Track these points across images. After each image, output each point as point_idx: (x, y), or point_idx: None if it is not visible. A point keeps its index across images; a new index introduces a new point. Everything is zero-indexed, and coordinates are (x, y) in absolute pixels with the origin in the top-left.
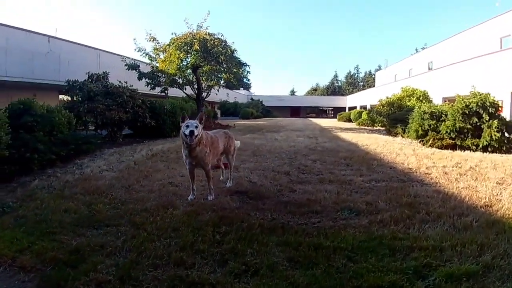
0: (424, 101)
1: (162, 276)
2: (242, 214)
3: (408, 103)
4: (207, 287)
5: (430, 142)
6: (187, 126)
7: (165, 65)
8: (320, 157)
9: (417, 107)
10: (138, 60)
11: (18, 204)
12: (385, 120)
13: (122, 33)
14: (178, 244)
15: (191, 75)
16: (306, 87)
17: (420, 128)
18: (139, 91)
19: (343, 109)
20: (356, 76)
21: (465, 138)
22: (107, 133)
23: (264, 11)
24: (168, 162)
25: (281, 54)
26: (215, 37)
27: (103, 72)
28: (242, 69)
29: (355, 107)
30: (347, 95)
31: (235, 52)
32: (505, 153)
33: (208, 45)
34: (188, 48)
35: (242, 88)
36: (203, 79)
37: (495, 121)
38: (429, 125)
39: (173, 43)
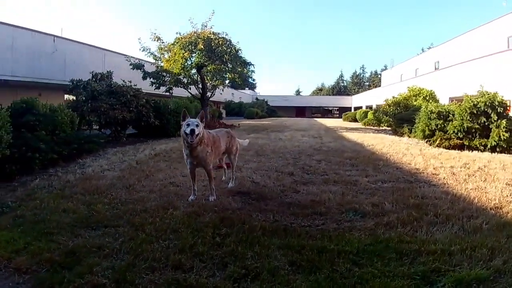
0: (430, 100)
1: (159, 280)
2: (243, 216)
3: (415, 103)
4: None
5: (437, 142)
6: (188, 125)
7: (170, 65)
8: (325, 157)
9: (423, 107)
10: (143, 60)
11: (17, 203)
12: (391, 120)
13: (127, 32)
14: (177, 246)
15: (196, 75)
16: (312, 87)
17: (427, 128)
18: (144, 91)
19: (349, 109)
20: (362, 76)
21: (473, 138)
22: (111, 133)
23: (269, 11)
24: (170, 162)
25: (287, 54)
26: (220, 36)
27: (107, 71)
28: (247, 68)
29: (360, 107)
30: (353, 95)
31: (239, 51)
32: None
33: (213, 44)
34: (193, 47)
35: (247, 88)
36: (208, 78)
37: (504, 121)
38: (436, 125)
39: (177, 43)
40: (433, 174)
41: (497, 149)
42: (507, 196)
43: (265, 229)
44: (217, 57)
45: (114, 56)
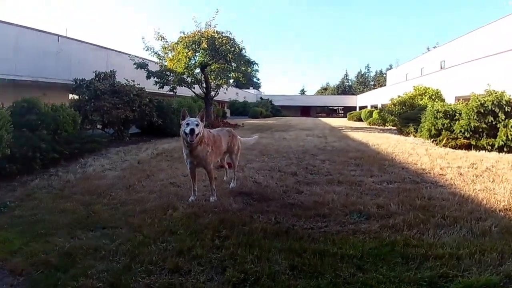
0: (436, 100)
1: (154, 284)
2: (244, 217)
3: (420, 102)
4: None
5: (444, 141)
6: (188, 124)
7: (173, 64)
8: (329, 157)
9: (430, 106)
10: (147, 59)
11: (16, 203)
12: (396, 119)
13: (129, 32)
14: (174, 248)
15: (200, 74)
16: (316, 87)
17: (433, 127)
18: (148, 90)
19: (354, 108)
20: (367, 75)
21: (480, 138)
22: (114, 132)
23: (273, 11)
24: (171, 162)
25: (291, 53)
26: (223, 35)
27: (110, 70)
28: (251, 67)
29: (365, 107)
30: (358, 94)
31: (243, 50)
32: None
33: (216, 43)
34: (196, 46)
35: (251, 88)
36: (212, 78)
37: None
38: (443, 124)
39: (181, 42)
40: (439, 174)
41: (505, 149)
42: None
43: (266, 231)
44: (220, 56)
45: (118, 55)
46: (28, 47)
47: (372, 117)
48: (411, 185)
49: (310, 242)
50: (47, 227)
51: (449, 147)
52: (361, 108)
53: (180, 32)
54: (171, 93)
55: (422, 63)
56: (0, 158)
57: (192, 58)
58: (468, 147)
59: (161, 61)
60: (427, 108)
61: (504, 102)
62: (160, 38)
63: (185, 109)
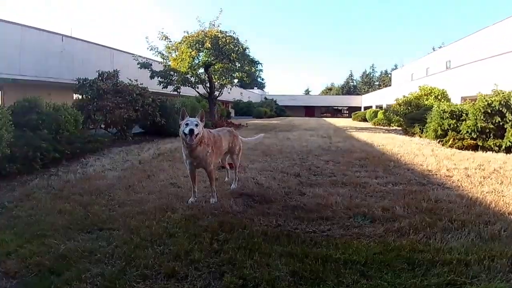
0: (442, 100)
1: None
2: (244, 220)
3: (426, 102)
4: None
5: (450, 142)
6: (187, 124)
7: (177, 63)
8: (333, 158)
9: (436, 106)
10: (151, 59)
11: (14, 204)
12: (402, 119)
13: (133, 32)
14: (172, 252)
15: (203, 74)
16: (321, 87)
17: (439, 127)
18: (152, 90)
19: (358, 108)
20: (371, 75)
21: (487, 139)
22: (117, 132)
23: (278, 11)
24: (173, 162)
25: (296, 53)
26: (227, 34)
27: (113, 70)
28: (255, 67)
29: (370, 107)
30: (363, 94)
31: (247, 49)
32: None
33: (220, 42)
34: (200, 46)
35: (256, 88)
36: (215, 77)
37: None
38: (449, 125)
39: (184, 41)
40: (446, 176)
41: None
42: None
43: (267, 234)
44: (224, 56)
45: (122, 55)
46: (33, 47)
47: (377, 117)
48: (417, 187)
49: (312, 247)
50: (43, 228)
51: (456, 148)
52: (366, 108)
53: (184, 31)
54: (175, 93)
55: (428, 63)
56: (0, 158)
57: (195, 57)
58: (475, 148)
59: (164, 60)
60: (433, 108)
61: (511, 102)
62: (164, 38)
63: (184, 108)
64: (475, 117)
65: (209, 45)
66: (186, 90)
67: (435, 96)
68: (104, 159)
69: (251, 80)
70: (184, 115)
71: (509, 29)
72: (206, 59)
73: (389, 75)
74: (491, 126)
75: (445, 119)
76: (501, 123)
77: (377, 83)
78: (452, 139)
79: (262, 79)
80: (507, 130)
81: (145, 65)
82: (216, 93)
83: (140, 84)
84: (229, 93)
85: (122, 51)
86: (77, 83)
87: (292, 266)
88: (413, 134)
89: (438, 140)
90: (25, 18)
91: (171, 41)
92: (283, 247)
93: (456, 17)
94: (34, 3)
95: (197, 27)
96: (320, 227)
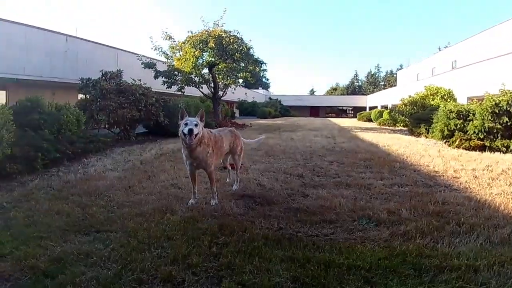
0: (448, 100)
1: None
2: (245, 222)
3: (432, 102)
4: None
5: (457, 142)
6: (186, 124)
7: (181, 63)
8: (338, 159)
9: (442, 106)
10: (155, 59)
11: (12, 204)
12: (407, 119)
13: (137, 31)
14: (169, 255)
15: (208, 74)
16: (326, 87)
17: (446, 128)
18: (156, 90)
19: (363, 108)
20: (377, 75)
21: (494, 139)
22: (120, 132)
23: (283, 11)
24: (175, 162)
25: (301, 53)
26: (231, 34)
27: (117, 70)
28: (259, 67)
29: (375, 107)
30: (368, 94)
31: (251, 49)
32: None
33: (224, 42)
34: (204, 45)
35: (260, 88)
36: (219, 77)
37: None
38: (456, 125)
39: (188, 41)
40: (453, 177)
41: None
42: None
43: (268, 238)
44: (228, 56)
45: (126, 55)
46: (37, 47)
47: (382, 117)
48: (423, 189)
49: (315, 251)
50: (40, 230)
51: (462, 148)
52: (371, 108)
53: (188, 31)
54: (179, 93)
55: (433, 63)
56: (1, 158)
57: (199, 57)
58: (482, 148)
59: (168, 60)
60: (440, 108)
61: None
62: (168, 37)
63: (183, 108)
64: (482, 117)
65: (213, 45)
66: (190, 90)
67: (441, 96)
68: (106, 159)
69: (256, 80)
70: (183, 114)
71: None
72: (210, 59)
73: (395, 75)
74: (499, 126)
75: (452, 119)
76: (509, 123)
77: (383, 83)
78: (459, 140)
79: (267, 79)
80: None
81: (149, 65)
82: (220, 93)
83: (144, 84)
84: (233, 93)
85: (127, 51)
86: (81, 82)
87: (293, 271)
88: (419, 135)
89: (445, 140)
90: (24, 18)
91: (175, 41)
92: (285, 252)
93: (462, 17)
94: (34, 3)
95: (201, 27)
96: (323, 231)
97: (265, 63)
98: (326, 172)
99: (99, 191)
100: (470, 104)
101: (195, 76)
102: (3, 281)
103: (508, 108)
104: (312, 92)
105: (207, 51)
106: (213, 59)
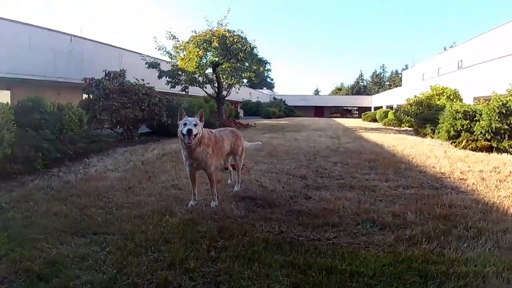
0: (454, 100)
1: None
2: (245, 225)
3: (438, 102)
4: None
5: (463, 143)
6: (185, 124)
7: (185, 63)
8: (342, 159)
9: (448, 106)
10: (159, 59)
11: (10, 205)
12: (413, 120)
13: (141, 31)
14: (166, 259)
15: (211, 74)
16: (331, 87)
17: (452, 128)
18: (160, 90)
19: (368, 108)
20: (382, 75)
21: (501, 140)
22: (123, 132)
23: (287, 11)
24: (176, 163)
25: (306, 53)
26: (235, 34)
27: (120, 69)
28: (263, 66)
29: (380, 107)
30: (373, 94)
31: (254, 49)
32: None
33: (227, 42)
34: (207, 45)
35: (265, 88)
36: (223, 77)
37: None
38: (462, 125)
39: (192, 41)
40: (460, 179)
41: None
42: None
43: (268, 242)
44: (232, 55)
45: (130, 55)
46: (41, 47)
47: (387, 117)
48: (429, 191)
49: (316, 256)
50: (37, 232)
51: (469, 149)
52: (376, 108)
53: (192, 31)
54: (183, 92)
55: (439, 63)
56: (1, 158)
57: (203, 57)
58: (489, 149)
59: (172, 60)
60: (446, 108)
61: None
62: (172, 37)
63: (182, 108)
64: (490, 118)
65: (217, 45)
66: (194, 90)
67: (447, 96)
68: (107, 159)
69: (260, 80)
70: (182, 114)
71: None
72: (214, 58)
73: (400, 75)
74: (506, 127)
75: (458, 119)
76: None
77: (388, 83)
78: (465, 140)
79: (272, 79)
80: None
81: (153, 64)
82: (224, 93)
83: (147, 83)
84: (237, 93)
85: (131, 51)
86: (84, 82)
87: (293, 278)
88: (424, 135)
89: (451, 141)
90: (24, 18)
91: (178, 41)
92: (285, 257)
93: (467, 17)
94: (34, 3)
95: (204, 27)
96: (326, 235)
97: (269, 63)
98: (329, 173)
99: (98, 192)
100: (477, 104)
101: (199, 76)
102: None
103: None
104: (317, 92)
105: (211, 51)
106: (217, 58)
